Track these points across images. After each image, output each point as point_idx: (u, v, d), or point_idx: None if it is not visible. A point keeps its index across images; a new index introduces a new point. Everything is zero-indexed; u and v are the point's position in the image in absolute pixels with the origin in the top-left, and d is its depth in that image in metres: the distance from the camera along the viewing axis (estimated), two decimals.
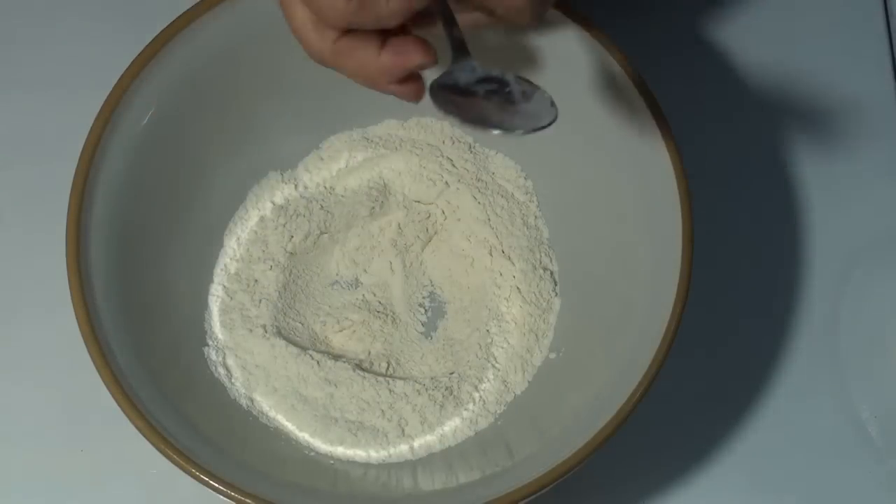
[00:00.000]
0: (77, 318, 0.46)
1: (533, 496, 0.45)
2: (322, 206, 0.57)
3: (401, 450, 0.53)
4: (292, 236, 0.56)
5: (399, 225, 0.57)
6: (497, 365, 0.55)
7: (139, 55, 0.49)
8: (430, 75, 0.41)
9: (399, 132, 0.58)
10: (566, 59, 0.50)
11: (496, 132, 0.40)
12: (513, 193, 0.57)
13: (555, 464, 0.45)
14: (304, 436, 0.53)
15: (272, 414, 0.53)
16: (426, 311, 0.57)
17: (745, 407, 0.58)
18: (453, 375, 0.54)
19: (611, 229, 0.53)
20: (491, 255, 0.56)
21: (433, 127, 0.58)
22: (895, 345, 0.60)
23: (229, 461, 0.46)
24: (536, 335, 0.55)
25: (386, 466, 0.52)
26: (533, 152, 0.56)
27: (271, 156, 0.57)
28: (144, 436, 0.45)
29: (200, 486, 0.44)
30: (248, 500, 0.44)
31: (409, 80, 0.41)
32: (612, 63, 0.49)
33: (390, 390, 0.53)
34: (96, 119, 0.48)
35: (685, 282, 0.47)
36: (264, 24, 0.51)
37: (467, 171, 0.57)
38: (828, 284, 0.60)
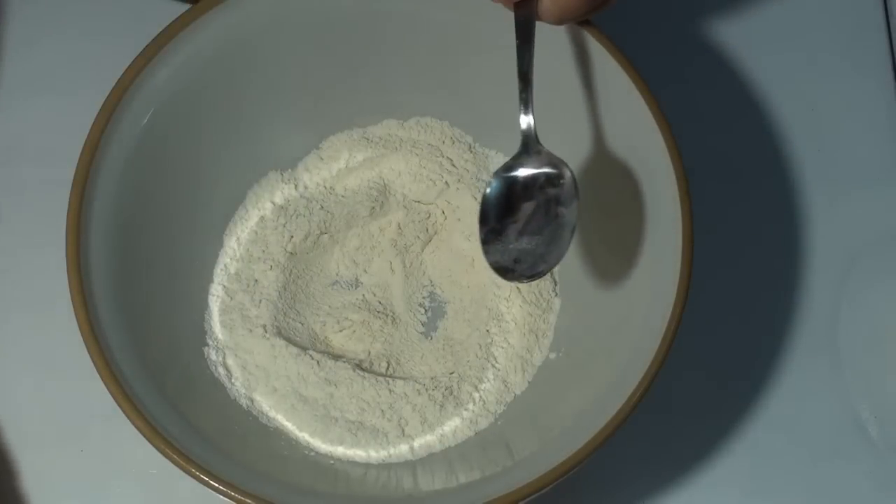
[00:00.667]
0: (77, 318, 0.46)
1: (533, 496, 0.45)
2: (322, 206, 0.57)
3: (401, 450, 0.53)
4: (292, 236, 0.56)
5: (399, 225, 0.57)
6: (497, 365, 0.55)
7: (139, 55, 0.49)
8: None
9: (399, 132, 0.58)
10: (565, 58, 0.50)
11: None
12: None
13: (555, 464, 0.45)
14: (304, 436, 0.53)
15: (272, 414, 0.53)
16: (426, 311, 0.57)
17: (745, 407, 0.58)
18: (453, 375, 0.54)
19: (611, 229, 0.53)
20: None
21: (433, 127, 0.58)
22: (895, 345, 0.60)
23: (229, 461, 0.46)
24: (536, 335, 0.55)
25: (386, 466, 0.52)
26: None
27: (271, 156, 0.57)
28: (144, 436, 0.45)
29: (200, 486, 0.44)
30: (247, 500, 0.44)
31: None
32: (612, 63, 0.49)
33: (390, 390, 0.53)
34: (96, 119, 0.48)
35: (685, 282, 0.46)
36: (264, 25, 0.51)
37: (467, 171, 0.57)
38: (828, 284, 0.60)
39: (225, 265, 0.56)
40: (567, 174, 0.46)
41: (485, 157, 0.58)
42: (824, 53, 0.64)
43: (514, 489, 0.45)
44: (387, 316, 0.56)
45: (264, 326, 0.54)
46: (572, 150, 0.53)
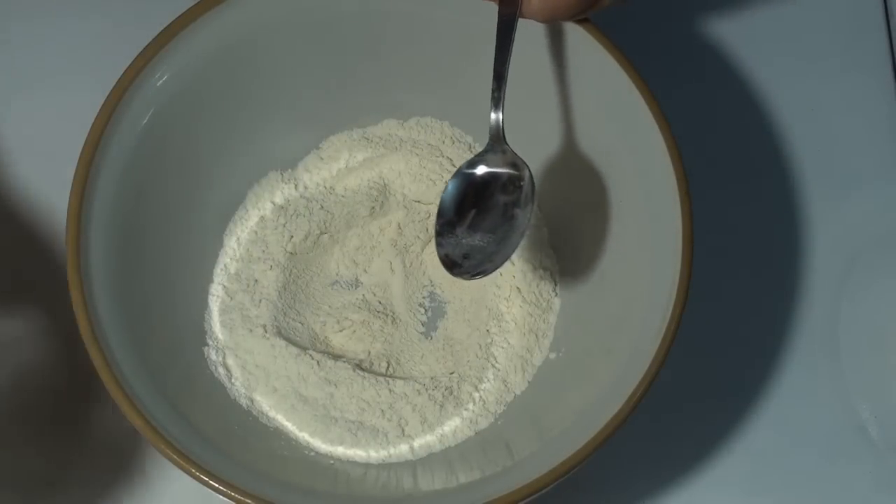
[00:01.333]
0: (77, 318, 0.46)
1: (533, 496, 0.45)
2: (322, 206, 0.57)
3: (401, 450, 0.53)
4: (292, 236, 0.56)
5: (399, 225, 0.57)
6: (497, 365, 0.55)
7: (139, 55, 0.49)
8: None
9: (399, 132, 0.58)
10: (565, 58, 0.50)
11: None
12: None
13: (555, 464, 0.45)
14: (304, 436, 0.53)
15: (272, 414, 0.53)
16: (426, 311, 0.57)
17: (745, 407, 0.58)
18: (453, 375, 0.54)
19: (611, 229, 0.53)
20: None
21: (433, 127, 0.58)
22: (895, 345, 0.60)
23: (229, 461, 0.46)
24: (536, 335, 0.55)
25: (386, 466, 0.52)
26: (532, 153, 0.56)
27: (271, 156, 0.57)
28: (144, 436, 0.45)
29: (200, 486, 0.44)
30: (248, 500, 0.44)
31: None
32: (612, 63, 0.49)
33: (390, 390, 0.53)
34: (96, 119, 0.48)
35: (685, 282, 0.46)
36: (264, 25, 0.51)
37: None
38: (828, 284, 0.60)
39: (225, 265, 0.56)
40: (526, 176, 0.47)
41: None
42: (824, 53, 0.64)
43: (514, 489, 0.45)
44: (387, 316, 0.56)
45: (264, 326, 0.54)
46: (571, 150, 0.53)
